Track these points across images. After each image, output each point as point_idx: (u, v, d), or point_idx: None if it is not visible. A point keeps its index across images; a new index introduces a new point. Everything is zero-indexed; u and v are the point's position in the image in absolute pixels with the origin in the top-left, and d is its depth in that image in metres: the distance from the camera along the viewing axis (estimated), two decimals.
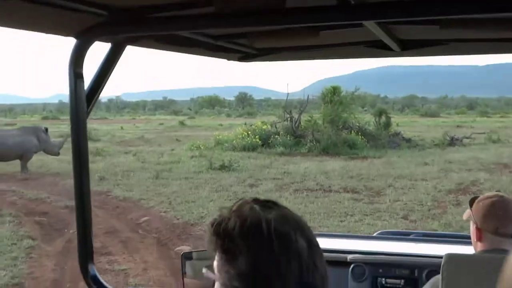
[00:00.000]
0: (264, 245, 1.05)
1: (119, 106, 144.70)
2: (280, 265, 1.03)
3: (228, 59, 2.52)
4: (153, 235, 10.19)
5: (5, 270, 7.72)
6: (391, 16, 1.52)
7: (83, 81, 1.87)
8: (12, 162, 18.99)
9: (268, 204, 1.13)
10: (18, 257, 8.42)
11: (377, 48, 2.36)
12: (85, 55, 1.83)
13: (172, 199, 13.05)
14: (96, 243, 9.37)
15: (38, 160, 20.71)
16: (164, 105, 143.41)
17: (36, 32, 1.72)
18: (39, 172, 18.63)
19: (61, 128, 44.17)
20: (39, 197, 13.85)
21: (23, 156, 18.75)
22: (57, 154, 19.99)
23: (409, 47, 2.35)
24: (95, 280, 1.90)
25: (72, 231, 10.43)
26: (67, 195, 14.15)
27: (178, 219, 11.23)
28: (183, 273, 2.08)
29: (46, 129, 19.74)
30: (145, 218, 11.39)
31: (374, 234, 3.94)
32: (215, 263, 1.11)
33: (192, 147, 25.42)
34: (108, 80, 2.00)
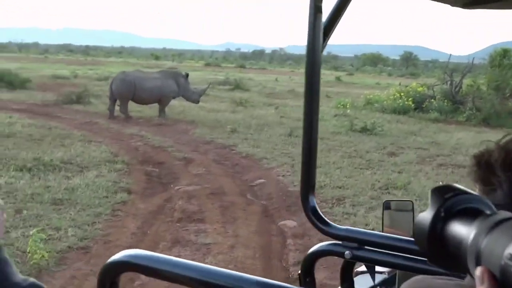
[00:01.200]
0: None
1: (282, 57, 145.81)
2: None
3: (452, 5, 2.18)
4: (261, 201, 9.01)
5: (79, 228, 6.82)
6: None
7: (321, 15, 1.81)
8: (154, 106, 18.79)
9: None
10: (102, 213, 7.54)
11: None
12: None
13: (296, 162, 11.73)
14: (194, 206, 8.37)
15: (180, 105, 20.42)
16: (327, 60, 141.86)
17: None
18: (175, 119, 18.22)
19: (217, 76, 44.48)
20: (162, 145, 13.25)
21: (161, 100, 18.38)
22: (197, 101, 19.44)
23: None
24: (314, 212, 1.93)
25: (177, 187, 9.56)
26: (191, 146, 13.45)
27: (295, 185, 9.91)
28: (383, 222, 2.17)
29: (187, 75, 19.17)
30: (260, 180, 10.26)
31: None
32: None
33: (339, 105, 23.78)
34: (344, 15, 1.92)
